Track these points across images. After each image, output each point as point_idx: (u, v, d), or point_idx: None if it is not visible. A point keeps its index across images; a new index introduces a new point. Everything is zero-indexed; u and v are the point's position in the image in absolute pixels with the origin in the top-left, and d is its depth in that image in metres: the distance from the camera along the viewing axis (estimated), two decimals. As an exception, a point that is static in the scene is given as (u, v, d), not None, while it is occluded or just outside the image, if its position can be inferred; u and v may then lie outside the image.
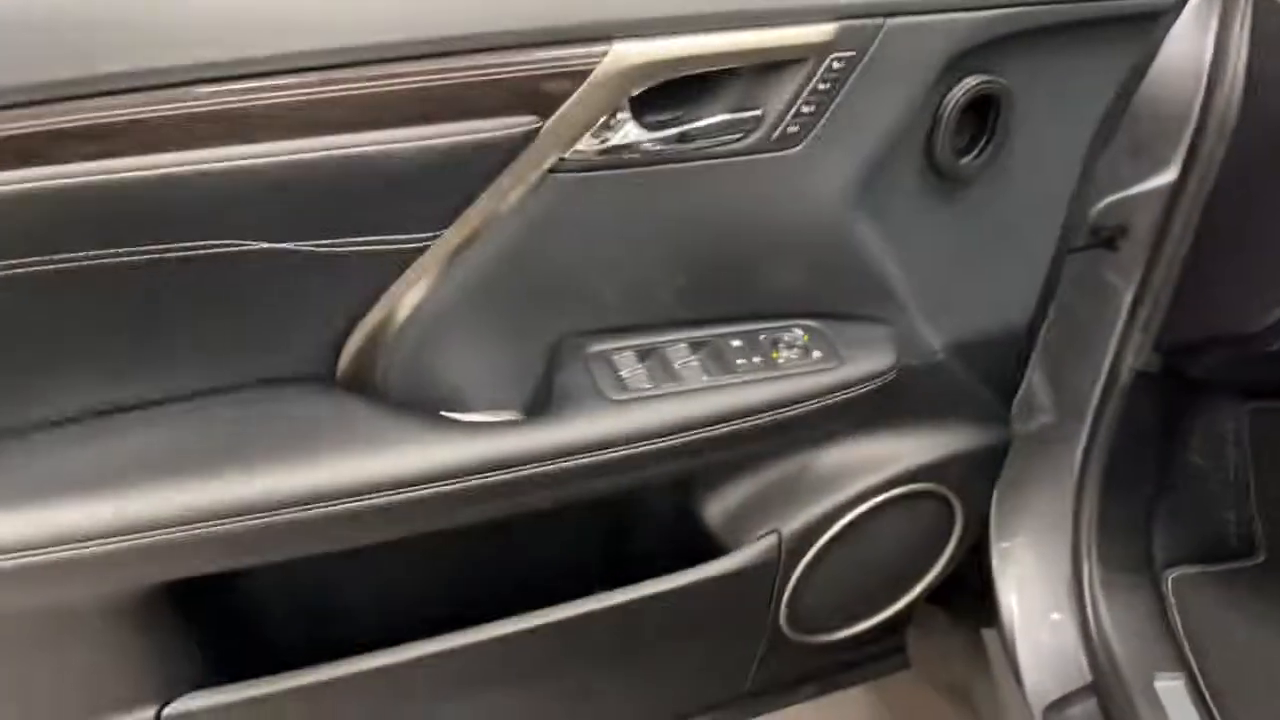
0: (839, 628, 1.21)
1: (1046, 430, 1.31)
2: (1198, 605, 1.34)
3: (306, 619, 1.02)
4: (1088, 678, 1.31)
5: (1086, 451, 1.29)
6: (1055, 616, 1.32)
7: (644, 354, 0.94)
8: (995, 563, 1.30)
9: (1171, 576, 1.36)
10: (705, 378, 0.93)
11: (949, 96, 0.91)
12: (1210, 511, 1.40)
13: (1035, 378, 1.29)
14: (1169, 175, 1.10)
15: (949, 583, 1.48)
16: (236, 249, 0.76)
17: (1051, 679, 1.28)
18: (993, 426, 1.16)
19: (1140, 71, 1.01)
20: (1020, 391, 1.29)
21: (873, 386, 0.98)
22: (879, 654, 1.50)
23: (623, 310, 0.93)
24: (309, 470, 0.82)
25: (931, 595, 1.52)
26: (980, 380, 1.12)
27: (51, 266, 0.72)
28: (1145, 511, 1.40)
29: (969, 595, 1.41)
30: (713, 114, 0.85)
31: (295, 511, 0.80)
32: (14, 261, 0.71)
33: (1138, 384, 1.24)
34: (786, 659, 1.20)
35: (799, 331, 0.98)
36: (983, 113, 0.95)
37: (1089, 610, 1.30)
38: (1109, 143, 1.05)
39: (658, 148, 0.83)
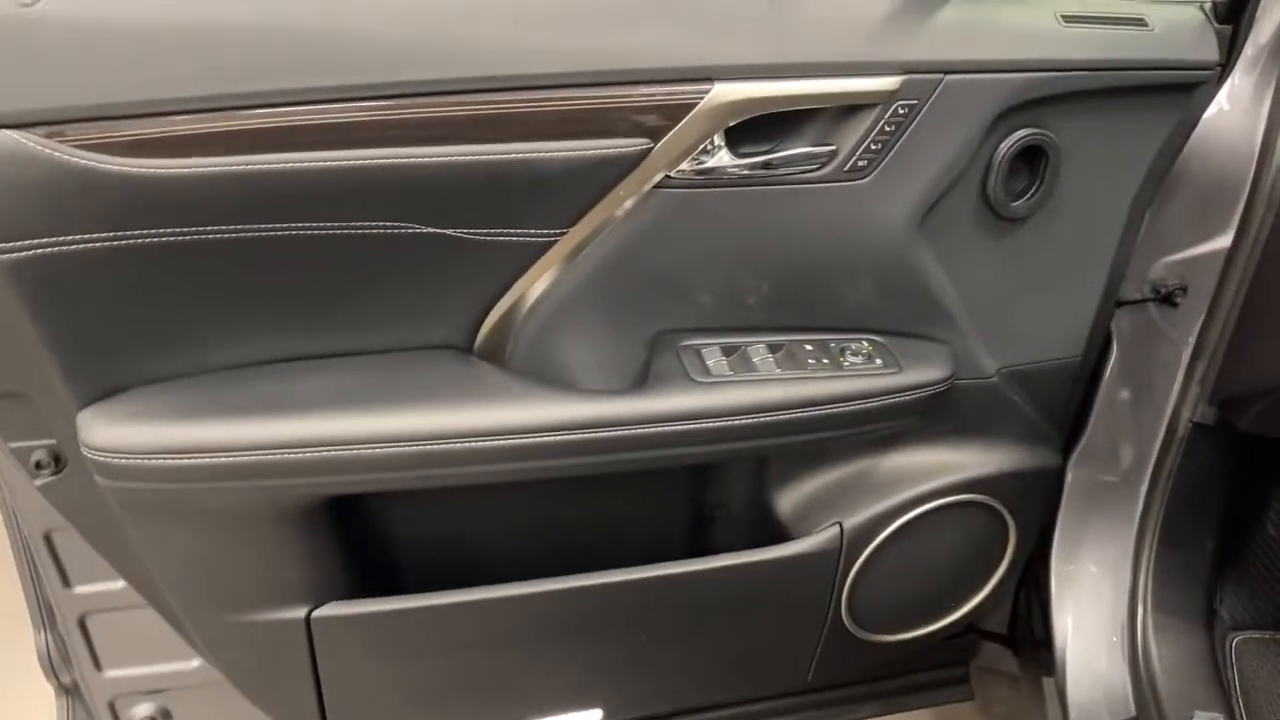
0: (897, 629, 1.33)
1: (1111, 475, 1.40)
2: (1258, 667, 1.39)
3: (437, 554, 1.20)
4: (1132, 711, 1.38)
5: (1148, 499, 1.38)
6: (1108, 646, 1.40)
7: (728, 350, 1.11)
8: (1055, 587, 1.40)
9: (1236, 639, 1.42)
10: (778, 371, 1.09)
11: (1001, 145, 1.07)
12: None
13: (1097, 425, 1.40)
14: (1225, 240, 1.22)
15: (1019, 629, 1.57)
16: (405, 230, 0.97)
17: (1099, 705, 1.36)
18: (1044, 450, 1.28)
19: (1181, 136, 1.15)
20: (1083, 438, 1.39)
21: (929, 393, 1.12)
22: (943, 680, 1.60)
23: (712, 313, 1.10)
24: (450, 414, 1.01)
25: (1000, 638, 1.62)
26: (1033, 407, 1.25)
27: (257, 234, 0.93)
28: (1207, 565, 1.47)
29: (1036, 643, 1.50)
30: (794, 147, 1.02)
31: (434, 444, 0.99)
32: (231, 227, 0.92)
33: (1195, 436, 1.34)
34: (846, 655, 1.33)
35: (865, 342, 1.14)
36: (1033, 162, 1.10)
37: (1139, 649, 1.37)
38: (1153, 200, 1.18)
39: (745, 173, 1.02)
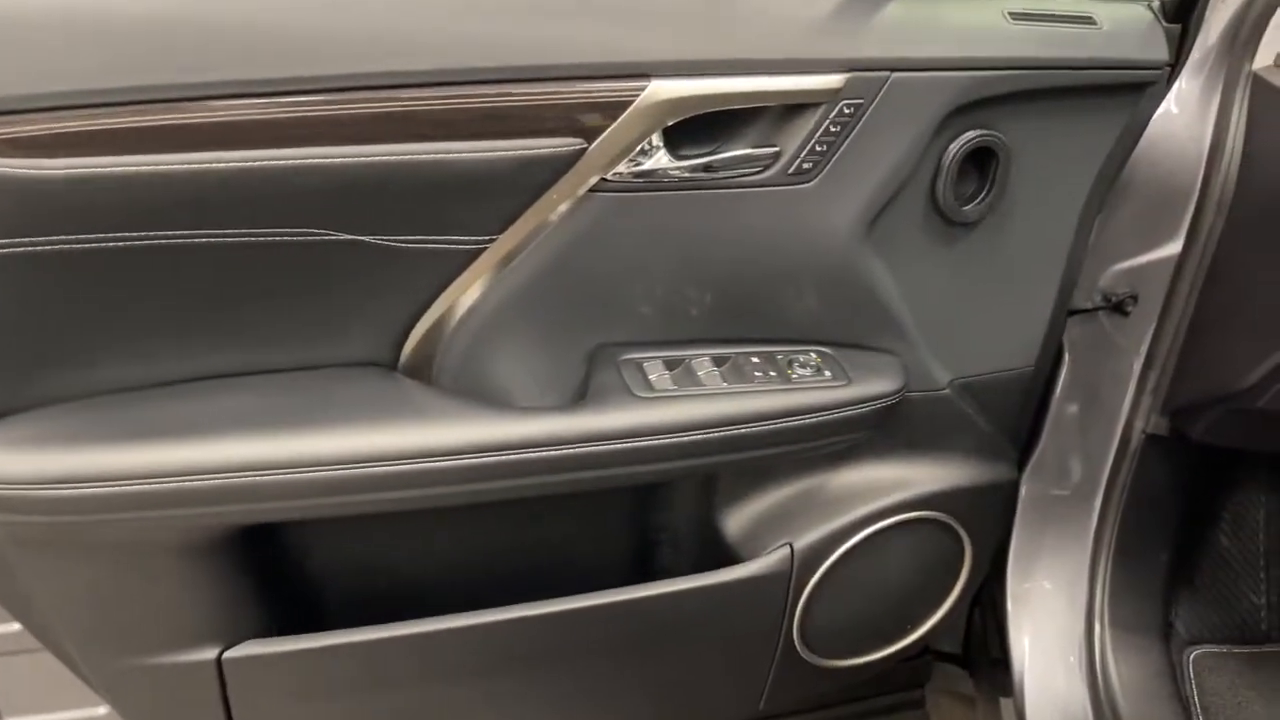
0: (851, 654, 1.27)
1: (1064, 489, 1.37)
2: (1216, 681, 1.36)
3: (363, 586, 1.12)
4: None
5: (1102, 513, 1.35)
6: (1066, 665, 1.36)
7: (671, 364, 1.05)
8: (1010, 606, 1.36)
9: (1194, 654, 1.39)
10: (724, 385, 1.03)
11: (950, 147, 1.03)
12: (1237, 595, 1.44)
13: (1050, 438, 1.36)
14: (1175, 247, 1.19)
15: (974, 649, 1.53)
16: (318, 238, 0.90)
17: None
18: (999, 464, 1.24)
19: (1131, 138, 1.12)
20: (1036, 451, 1.36)
21: (880, 406, 1.08)
22: (898, 705, 1.55)
23: (654, 324, 1.05)
24: (372, 435, 0.94)
25: (955, 659, 1.57)
26: (986, 419, 1.21)
27: (154, 242, 0.86)
28: (1162, 579, 1.44)
29: (992, 663, 1.46)
30: (736, 148, 0.97)
31: (355, 468, 0.92)
32: (123, 234, 0.85)
33: (1149, 448, 1.31)
34: (799, 682, 1.27)
35: (813, 354, 1.09)
36: (983, 165, 1.06)
37: (1098, 667, 1.34)
38: (1104, 205, 1.15)
39: (686, 175, 0.96)
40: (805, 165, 0.98)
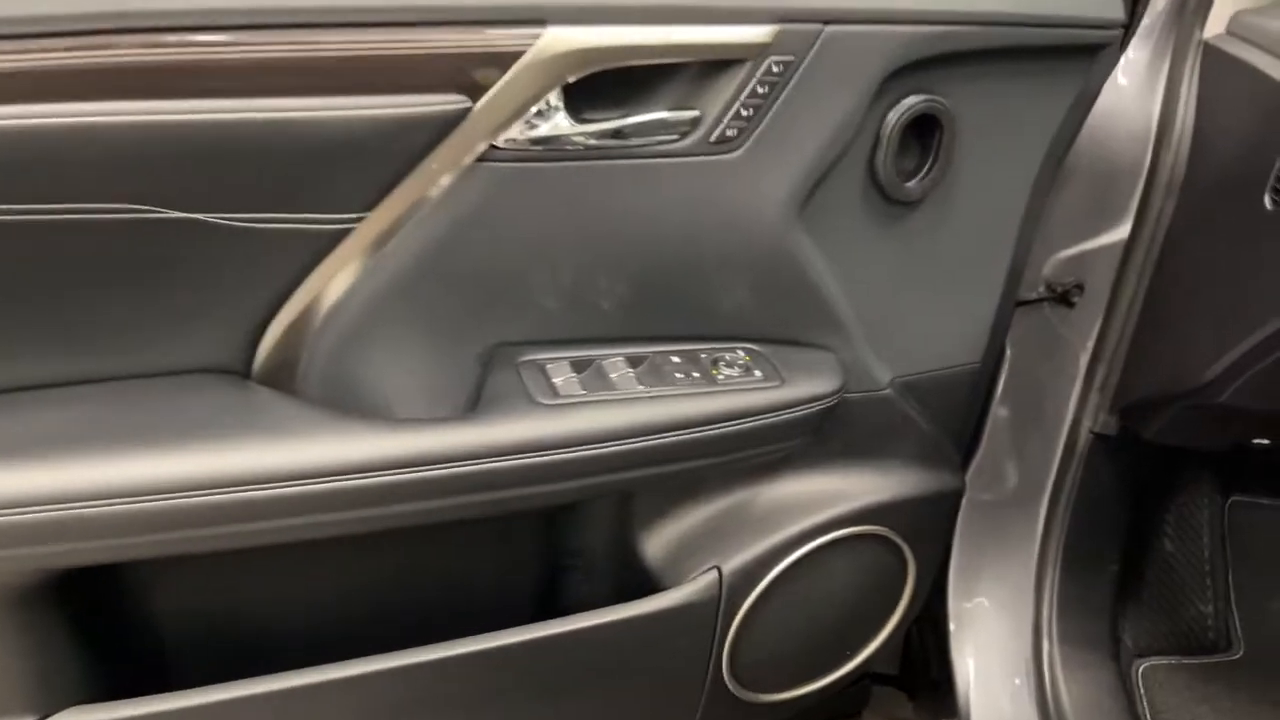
0: (787, 686, 1.14)
1: (1007, 495, 1.28)
2: (1167, 696, 1.29)
3: (215, 636, 0.95)
4: None
5: (1048, 521, 1.27)
6: (1012, 687, 1.27)
7: (579, 365, 0.91)
8: (953, 626, 1.26)
9: (1142, 667, 1.31)
10: (640, 388, 0.90)
11: (891, 114, 0.91)
12: (1183, 602, 1.37)
13: (991, 441, 1.26)
14: (1122, 231, 1.12)
15: (912, 669, 1.42)
16: (144, 216, 0.74)
17: None
18: (943, 472, 1.13)
19: (1082, 109, 1.02)
20: (977, 455, 1.26)
21: (816, 409, 0.95)
22: (835, 733, 1.43)
23: (559, 319, 0.91)
24: (220, 455, 0.77)
25: (893, 680, 1.46)
26: (929, 422, 1.09)
27: None
28: (1110, 591, 1.36)
29: (934, 685, 1.36)
30: (649, 112, 0.84)
31: (199, 496, 0.76)
32: None
33: (1097, 448, 1.22)
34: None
35: (740, 352, 0.96)
36: (925, 136, 0.94)
37: (1048, 686, 1.25)
38: (1053, 183, 1.05)
39: (591, 142, 0.82)
40: (729, 132, 0.85)
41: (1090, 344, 1.19)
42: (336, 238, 0.80)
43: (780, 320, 0.97)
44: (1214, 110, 1.05)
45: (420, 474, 0.82)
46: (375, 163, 0.78)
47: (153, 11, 0.69)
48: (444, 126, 0.77)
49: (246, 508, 0.78)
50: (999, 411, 1.24)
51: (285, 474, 0.78)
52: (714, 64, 0.83)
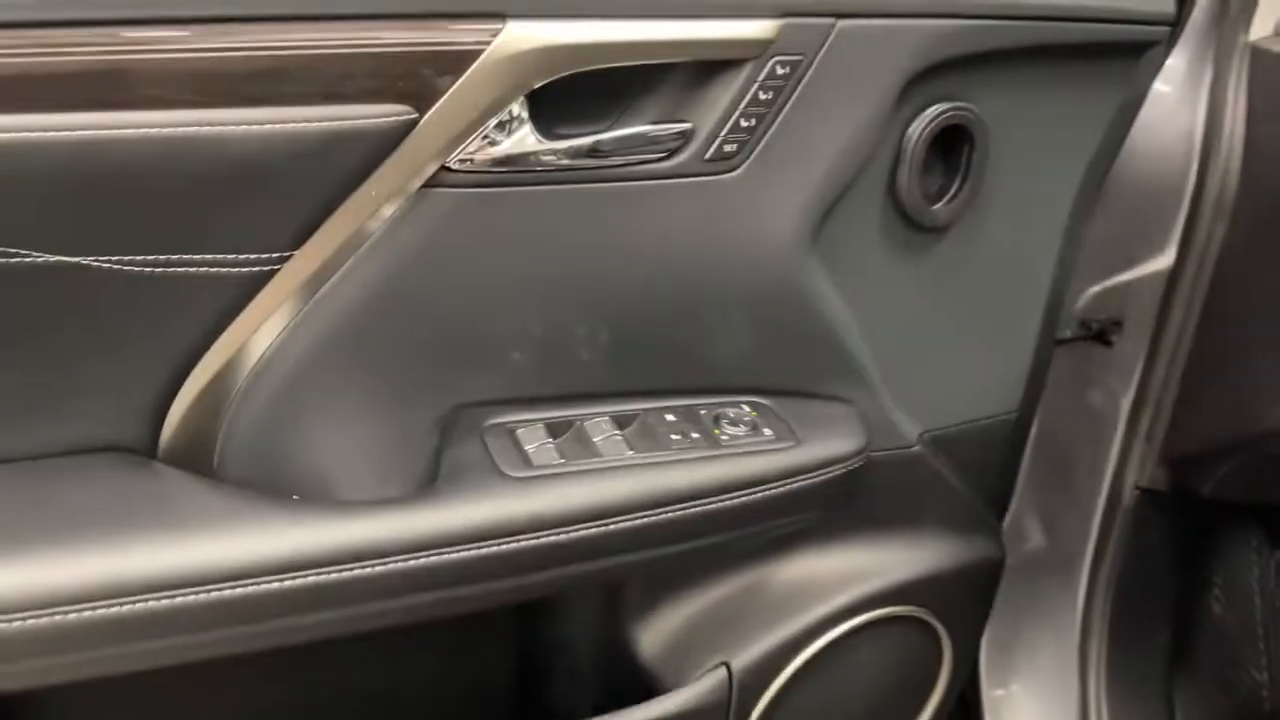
0: None
1: (1042, 561, 1.15)
2: None
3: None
4: None
5: (1089, 588, 1.13)
6: None
7: (557, 428, 0.76)
8: (987, 717, 1.11)
9: None
10: (630, 454, 0.75)
11: (914, 125, 0.78)
12: (1237, 672, 1.24)
13: (1022, 498, 1.13)
14: (1165, 259, 1.00)
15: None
16: (12, 261, 0.59)
17: None
18: (982, 538, 0.98)
19: (1126, 119, 0.89)
20: (1009, 513, 1.12)
21: (835, 474, 0.80)
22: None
23: (531, 374, 0.76)
24: (116, 555, 0.62)
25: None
26: (964, 481, 0.95)
27: None
28: (1162, 664, 1.22)
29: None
30: (632, 125, 0.70)
31: (91, 609, 0.60)
32: None
33: (1144, 505, 1.09)
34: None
35: (746, 407, 0.81)
36: (953, 151, 0.81)
37: None
38: (1094, 204, 0.92)
39: (563, 162, 0.69)
40: (726, 147, 0.72)
41: (1133, 388, 1.06)
42: (256, 283, 0.66)
43: (791, 368, 0.83)
44: (1266, 119, 0.93)
45: (366, 569, 0.66)
46: (301, 190, 0.63)
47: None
48: (384, 144, 0.63)
49: (147, 621, 0.62)
50: (1030, 465, 1.10)
51: (196, 577, 0.63)
52: (708, 66, 0.70)
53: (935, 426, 0.91)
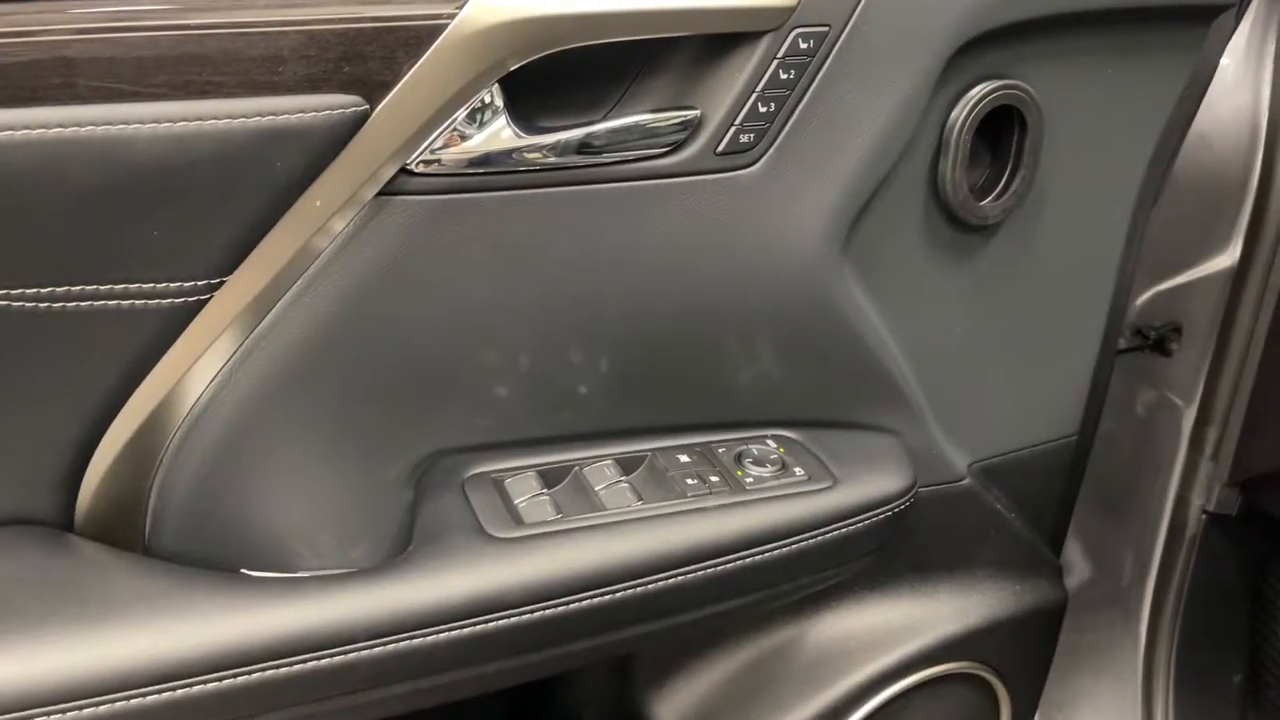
0: None
1: (1096, 598, 1.06)
2: None
3: None
4: None
5: (1153, 626, 1.04)
6: None
7: (551, 476, 0.65)
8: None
9: None
10: (638, 504, 0.63)
11: (958, 108, 0.67)
12: None
13: (1080, 524, 1.02)
14: (1229, 257, 0.91)
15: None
16: None
17: None
18: (1042, 580, 0.86)
19: (1194, 97, 0.78)
20: (1061, 551, 1.00)
21: (881, 517, 0.69)
22: None
23: (521, 414, 0.65)
24: (18, 655, 0.51)
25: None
26: (1021, 516, 0.83)
27: None
28: (1236, 707, 1.11)
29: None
30: (629, 114, 0.59)
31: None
32: None
33: (1212, 530, 1.00)
34: None
35: (771, 442, 0.70)
36: (1004, 137, 0.70)
37: None
38: (1158, 195, 0.81)
39: (549, 159, 0.57)
40: (743, 138, 0.60)
41: (1196, 402, 0.97)
42: (182, 317, 0.55)
43: (823, 395, 0.71)
44: None
45: (326, 660, 0.55)
46: (229, 202, 0.52)
47: None
48: (328, 144, 0.52)
49: None
50: (1086, 490, 0.99)
51: (116, 679, 0.51)
52: (718, 41, 0.59)
53: (986, 455, 0.79)
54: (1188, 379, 0.96)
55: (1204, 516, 0.99)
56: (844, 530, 0.67)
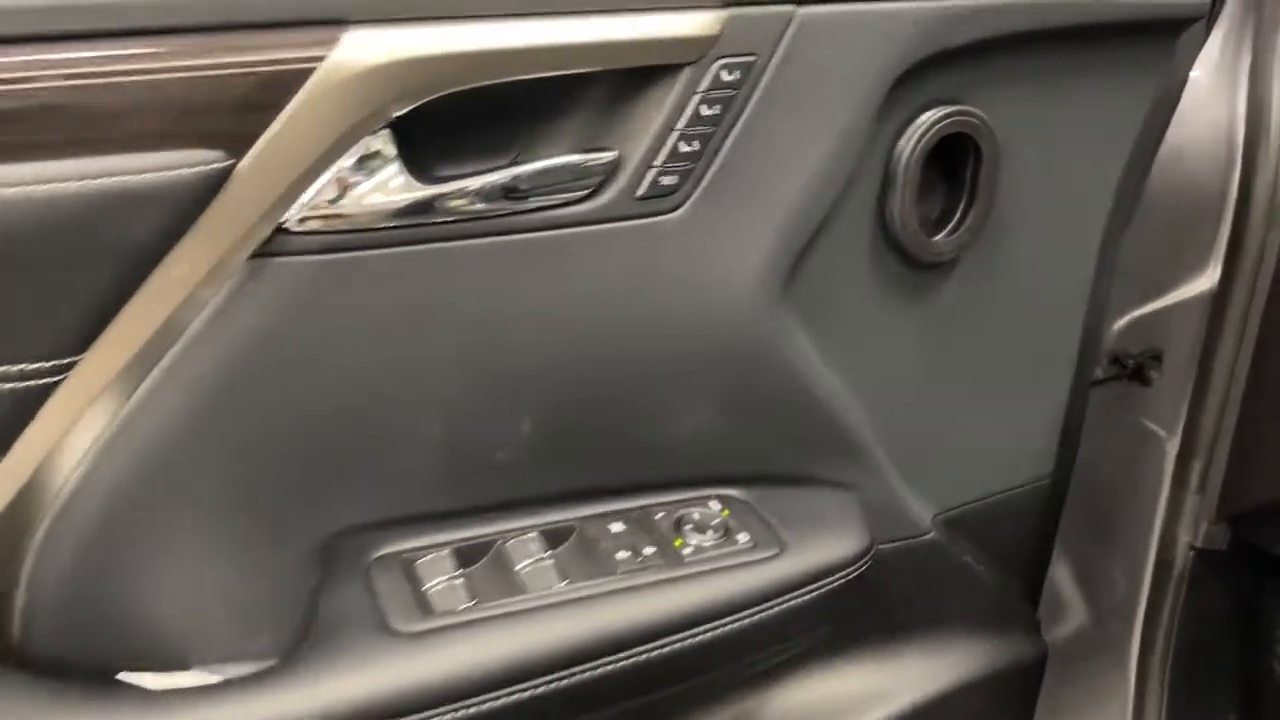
0: None
1: (1081, 643, 1.00)
2: None
3: None
4: None
5: (1142, 672, 0.98)
6: None
7: (469, 553, 0.59)
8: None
9: None
10: (563, 585, 0.57)
11: (905, 138, 0.61)
12: None
13: (1056, 568, 0.96)
14: (1208, 280, 0.86)
15: None
16: None
17: None
18: (1018, 634, 0.81)
19: (1163, 115, 0.73)
20: (1044, 587, 0.95)
21: (836, 585, 0.63)
22: None
23: (433, 485, 0.59)
24: None
25: None
26: (993, 566, 0.77)
27: None
28: None
29: None
30: (538, 158, 0.54)
31: None
32: None
33: (1201, 568, 0.95)
34: None
35: (715, 504, 0.64)
36: (957, 167, 0.64)
37: None
38: (1130, 220, 0.76)
39: (449, 211, 0.52)
40: (665, 180, 0.55)
41: (1179, 433, 0.92)
42: (34, 399, 0.49)
43: (769, 450, 0.66)
44: None
45: None
46: (75, 274, 0.46)
47: None
48: (187, 204, 0.46)
49: None
50: (1062, 529, 0.94)
51: None
52: (633, 76, 0.54)
53: (953, 505, 0.74)
54: (1169, 408, 0.91)
55: (1191, 553, 0.94)
56: (792, 602, 0.61)
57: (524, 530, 0.60)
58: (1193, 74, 0.83)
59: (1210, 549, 0.93)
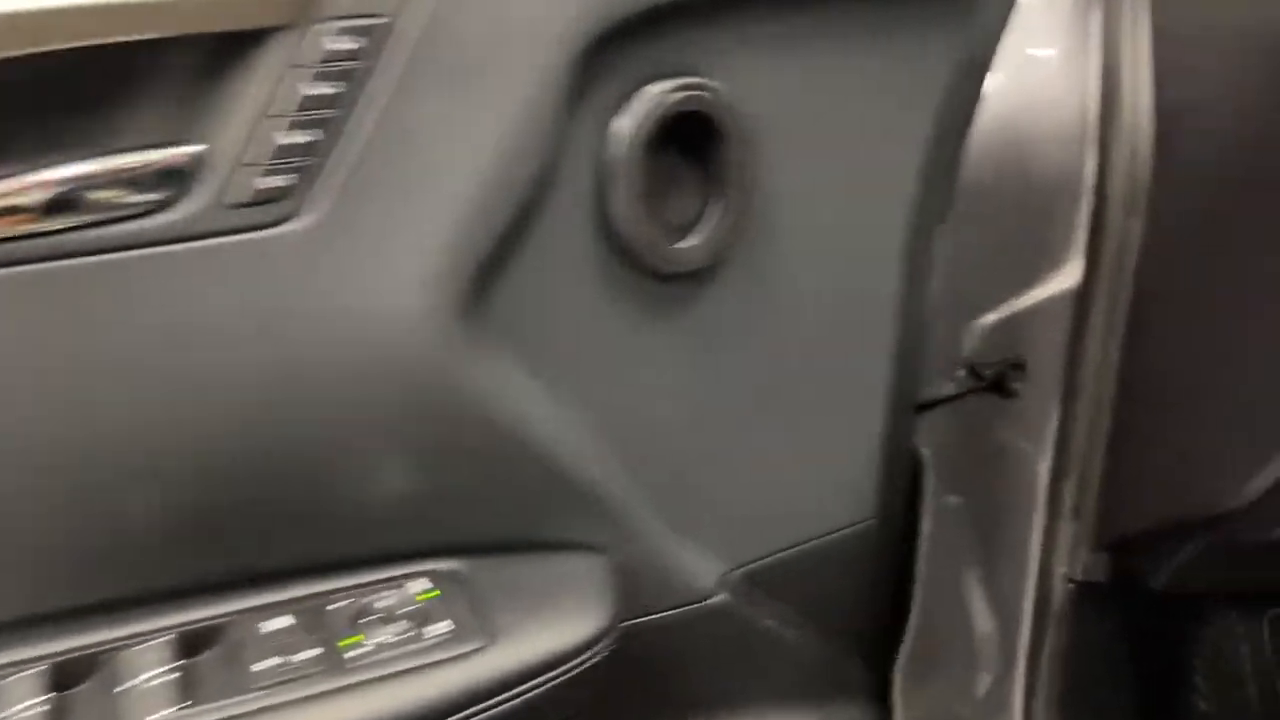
0: None
1: (960, 691, 0.91)
2: None
3: None
4: None
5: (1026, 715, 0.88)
6: None
7: (68, 670, 0.46)
8: None
9: None
10: (177, 710, 0.44)
11: (621, 118, 0.49)
12: None
13: (924, 622, 0.86)
14: (1069, 276, 0.77)
15: None
16: None
17: None
18: (853, 706, 0.68)
19: (969, 84, 0.62)
20: (904, 646, 0.84)
21: (566, 677, 0.50)
22: None
23: (25, 584, 0.46)
24: None
25: None
26: (812, 627, 0.65)
27: None
28: None
29: None
30: (90, 158, 0.41)
31: None
32: None
33: (1082, 602, 0.86)
34: None
35: (418, 585, 0.51)
36: (699, 153, 0.52)
37: None
38: (947, 207, 0.64)
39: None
40: (268, 181, 0.42)
41: (1049, 450, 0.81)
42: None
43: (485, 511, 0.53)
44: (1185, 70, 0.70)
45: None
46: None
47: None
48: None
49: None
50: (927, 574, 0.83)
51: None
52: (218, 45, 0.41)
53: (749, 559, 0.62)
54: (1037, 422, 0.81)
55: (1070, 585, 0.83)
56: (501, 708, 0.48)
57: (153, 634, 0.47)
58: (1039, 54, 0.73)
59: (1090, 580, 0.82)
